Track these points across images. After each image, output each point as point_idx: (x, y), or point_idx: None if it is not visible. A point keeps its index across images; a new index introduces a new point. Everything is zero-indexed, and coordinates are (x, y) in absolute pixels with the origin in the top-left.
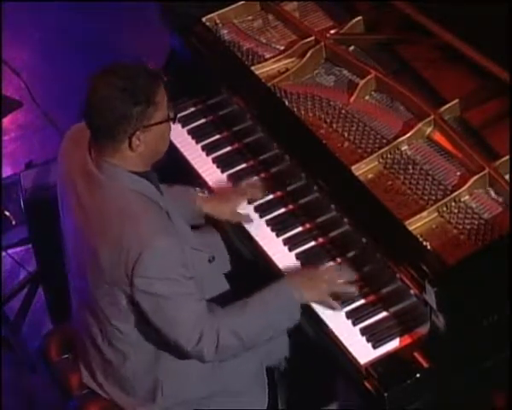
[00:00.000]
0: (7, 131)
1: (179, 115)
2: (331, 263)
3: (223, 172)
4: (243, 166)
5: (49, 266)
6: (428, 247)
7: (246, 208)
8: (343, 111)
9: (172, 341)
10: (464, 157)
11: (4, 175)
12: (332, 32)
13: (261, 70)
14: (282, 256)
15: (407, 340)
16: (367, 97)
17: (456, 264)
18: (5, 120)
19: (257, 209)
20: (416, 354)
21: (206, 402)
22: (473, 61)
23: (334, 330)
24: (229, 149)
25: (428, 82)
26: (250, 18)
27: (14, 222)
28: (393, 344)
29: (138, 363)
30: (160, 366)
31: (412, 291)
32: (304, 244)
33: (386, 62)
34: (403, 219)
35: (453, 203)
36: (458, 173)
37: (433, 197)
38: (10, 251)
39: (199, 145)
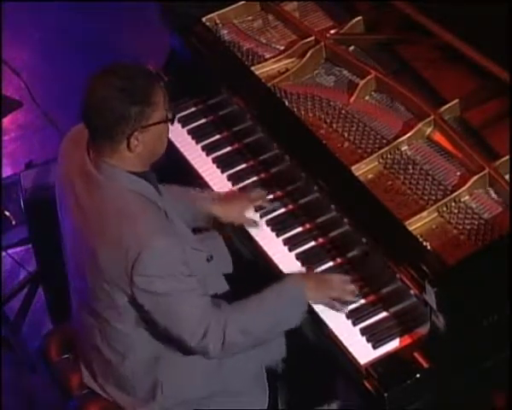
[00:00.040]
0: (7, 131)
1: (179, 115)
2: (331, 263)
3: (223, 172)
4: (243, 166)
5: (49, 266)
6: (428, 247)
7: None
8: (343, 111)
9: (176, 337)
10: (464, 157)
11: (4, 175)
12: (332, 32)
13: (261, 70)
14: (282, 256)
15: (407, 340)
16: (367, 97)
17: (456, 264)
18: (5, 120)
19: (257, 209)
20: (416, 355)
21: (206, 402)
22: (473, 61)
23: (334, 330)
24: (229, 149)
25: (428, 82)
26: (250, 18)
27: (14, 222)
28: (393, 344)
29: (138, 363)
30: (160, 367)
31: (412, 291)
32: (304, 244)
33: (386, 62)
34: (403, 220)
35: (453, 203)
36: (458, 173)
37: (433, 197)
38: (10, 251)
39: (199, 145)
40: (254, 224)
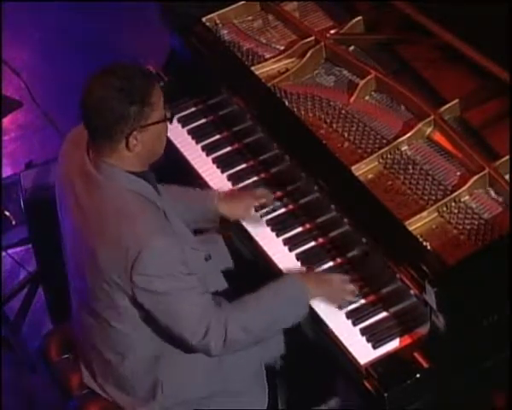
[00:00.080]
0: (7, 131)
1: (179, 115)
2: (331, 263)
3: (223, 172)
4: (243, 166)
5: (49, 266)
6: (428, 247)
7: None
8: (343, 111)
9: (177, 335)
10: (464, 157)
11: (4, 175)
12: (332, 32)
13: (261, 70)
14: (282, 256)
15: (407, 340)
16: (367, 97)
17: (456, 264)
18: (5, 120)
19: (257, 209)
20: (416, 355)
21: (206, 402)
22: (473, 61)
23: (334, 330)
24: (229, 149)
25: (428, 82)
26: (250, 18)
27: (14, 222)
28: (393, 344)
29: (137, 363)
30: (160, 366)
31: (412, 291)
32: (304, 244)
33: (386, 62)
34: (403, 220)
35: (453, 203)
36: (458, 173)
37: (433, 197)
38: (10, 251)
39: (199, 145)
40: (259, 221)
